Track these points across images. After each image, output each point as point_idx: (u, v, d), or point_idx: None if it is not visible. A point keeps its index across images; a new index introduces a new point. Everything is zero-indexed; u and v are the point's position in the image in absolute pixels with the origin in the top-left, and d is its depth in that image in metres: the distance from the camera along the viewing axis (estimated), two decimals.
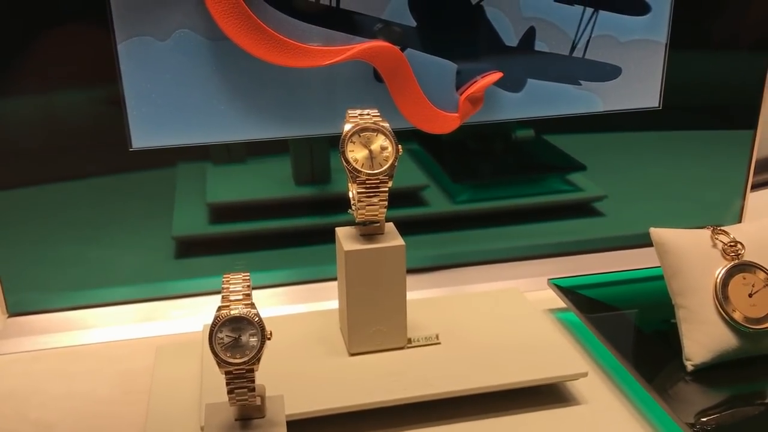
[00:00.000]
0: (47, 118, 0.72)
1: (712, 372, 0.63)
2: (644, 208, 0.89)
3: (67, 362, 0.72)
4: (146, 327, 0.77)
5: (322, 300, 0.79)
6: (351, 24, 0.73)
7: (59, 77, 0.71)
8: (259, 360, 0.46)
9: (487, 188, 0.86)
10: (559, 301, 0.76)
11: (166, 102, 0.73)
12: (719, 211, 0.91)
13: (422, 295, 0.79)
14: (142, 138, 0.74)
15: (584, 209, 0.89)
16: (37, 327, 0.76)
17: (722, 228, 0.66)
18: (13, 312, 0.77)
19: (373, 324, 0.64)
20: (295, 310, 0.78)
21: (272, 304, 0.80)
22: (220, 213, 0.80)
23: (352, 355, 0.65)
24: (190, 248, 0.80)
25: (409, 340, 0.66)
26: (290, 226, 0.82)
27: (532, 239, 0.87)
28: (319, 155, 0.80)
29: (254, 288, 0.80)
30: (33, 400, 0.67)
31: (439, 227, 0.85)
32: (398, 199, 0.82)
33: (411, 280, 0.83)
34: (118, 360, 0.72)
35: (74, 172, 0.74)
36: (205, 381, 0.60)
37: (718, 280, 0.63)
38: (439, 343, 0.66)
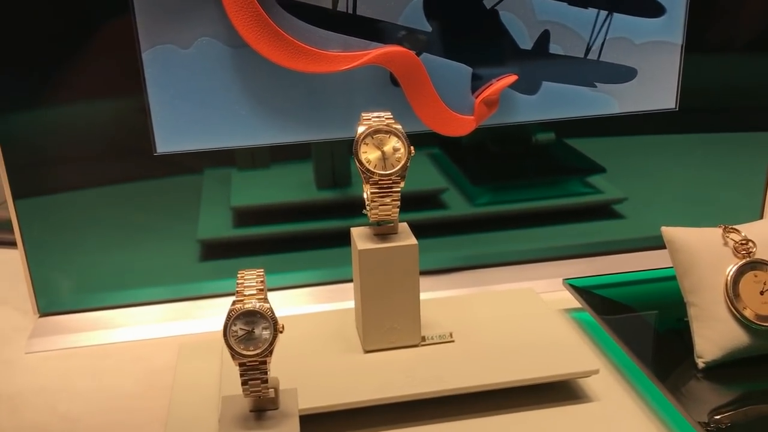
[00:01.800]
0: (77, 126, 0.75)
1: (724, 370, 0.63)
2: (664, 211, 0.89)
3: (95, 360, 0.74)
4: (171, 326, 0.79)
5: (342, 300, 0.81)
6: (367, 30, 0.75)
7: (87, 87, 0.73)
8: (271, 352, 0.48)
9: (507, 191, 0.86)
10: (574, 302, 0.76)
11: (188, 108, 0.75)
12: (738, 213, 0.89)
13: (439, 295, 0.80)
14: (166, 143, 0.76)
15: (604, 211, 0.89)
16: (66, 326, 0.79)
17: (733, 227, 0.66)
18: (44, 312, 0.80)
19: (387, 322, 0.66)
20: (316, 310, 0.80)
21: (293, 304, 0.82)
22: (244, 216, 0.82)
23: (367, 352, 0.66)
24: (214, 251, 0.82)
25: (423, 338, 0.67)
26: (311, 229, 0.83)
27: (551, 241, 0.88)
28: (339, 159, 0.82)
29: (276, 289, 0.85)
30: (62, 394, 0.69)
31: (458, 229, 0.86)
32: (418, 201, 0.84)
33: (429, 281, 0.85)
34: (143, 358, 0.74)
35: (103, 178, 0.77)
36: (225, 377, 0.62)
37: (729, 278, 0.63)
38: (452, 341, 0.67)
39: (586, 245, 0.89)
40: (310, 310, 0.80)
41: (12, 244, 0.81)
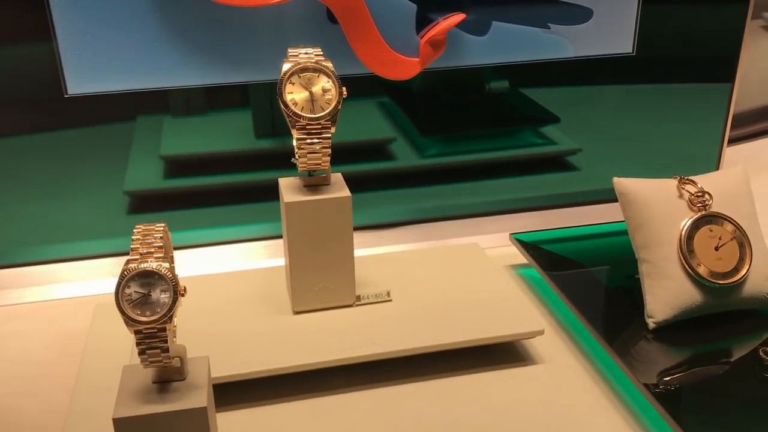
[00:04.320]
0: None
1: (674, 330, 0.60)
2: (618, 163, 0.86)
3: (1, 322, 0.68)
4: (91, 285, 0.74)
5: (279, 257, 0.76)
6: None
7: None
8: (171, 318, 0.43)
9: (457, 141, 0.82)
10: (521, 257, 0.72)
11: (102, 46, 0.68)
12: (695, 165, 0.87)
13: (383, 251, 0.76)
14: (77, 84, 0.69)
15: (557, 163, 0.86)
16: None
17: (689, 178, 0.62)
18: None
19: (319, 281, 0.61)
20: (252, 266, 0.75)
21: (226, 262, 0.77)
22: (176, 167, 0.77)
23: (297, 313, 0.61)
24: (143, 203, 0.77)
25: (358, 298, 0.63)
26: (248, 180, 0.78)
27: (502, 194, 0.84)
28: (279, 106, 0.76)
29: (208, 245, 0.80)
30: None
31: (406, 182, 0.82)
32: (364, 152, 0.80)
33: (372, 236, 0.80)
34: (56, 320, 0.69)
35: (17, 126, 0.71)
36: None
37: (683, 233, 0.59)
38: (390, 301, 0.63)
39: (538, 197, 0.86)
40: (246, 267, 0.75)
41: None
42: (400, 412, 0.56)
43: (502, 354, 0.61)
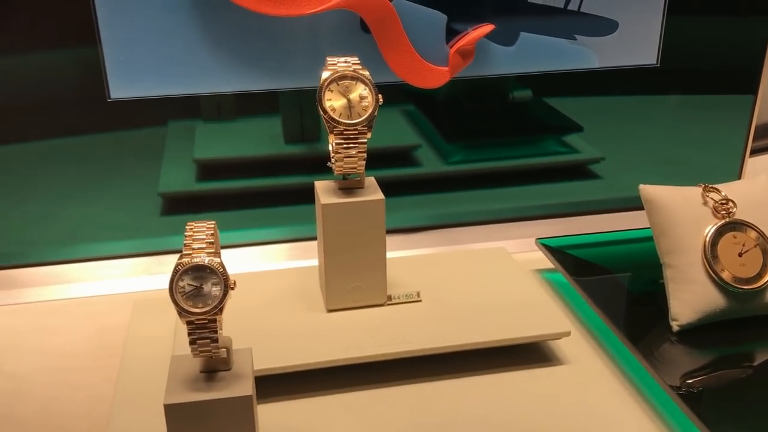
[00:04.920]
0: (28, 74, 0.70)
1: (698, 333, 0.61)
2: (641, 171, 0.87)
3: (45, 317, 0.71)
4: (127, 282, 0.76)
5: (308, 258, 0.78)
6: None
7: (35, 30, 0.69)
8: (221, 310, 0.45)
9: (481, 149, 0.84)
10: (547, 262, 0.74)
11: (145, 52, 0.71)
12: (717, 175, 0.87)
13: (411, 254, 0.78)
14: (120, 88, 0.72)
15: (581, 171, 0.87)
16: (17, 281, 0.75)
17: (714, 186, 0.63)
18: None
19: (352, 280, 0.63)
20: (282, 267, 0.77)
21: (258, 261, 0.79)
22: (208, 170, 0.79)
23: (330, 311, 0.63)
24: (177, 205, 0.79)
25: (389, 297, 0.64)
26: (278, 184, 0.80)
27: (525, 201, 0.86)
28: (308, 112, 0.78)
29: (239, 246, 0.82)
30: (9, 352, 0.66)
31: (431, 188, 0.84)
32: (390, 158, 0.81)
33: (399, 239, 0.82)
34: (96, 315, 0.71)
35: (58, 128, 0.73)
36: (178, 336, 0.59)
37: (708, 239, 0.61)
38: (420, 301, 0.65)
39: (561, 205, 0.87)
40: (274, 268, 0.77)
41: None
42: (430, 407, 0.57)
43: (529, 354, 0.62)
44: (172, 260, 0.77)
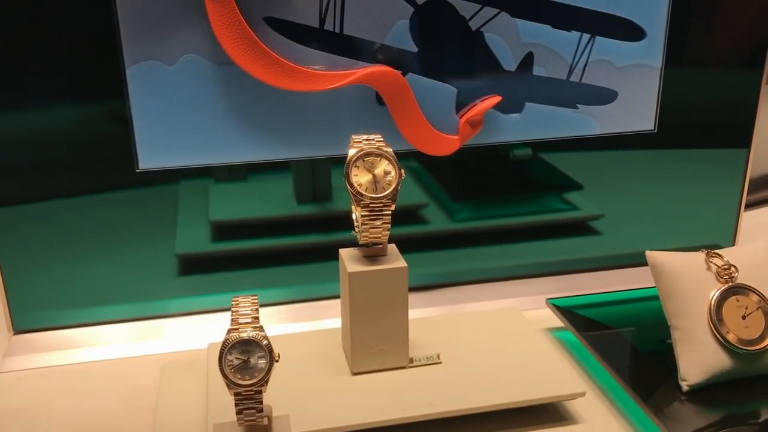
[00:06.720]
0: (56, 136, 0.73)
1: (707, 392, 0.64)
2: (640, 227, 0.90)
3: (73, 379, 0.73)
4: (149, 344, 0.78)
5: (324, 318, 0.80)
6: (354, 49, 0.75)
7: (70, 98, 0.72)
8: (267, 382, 0.47)
9: (486, 207, 0.87)
10: (557, 321, 0.77)
11: (172, 124, 0.74)
12: (714, 230, 0.92)
13: (422, 313, 0.81)
14: (148, 159, 0.75)
15: (581, 228, 0.90)
16: (43, 344, 0.77)
17: (716, 251, 0.67)
18: (20, 329, 0.78)
19: (376, 344, 0.66)
20: (297, 327, 0.79)
21: (274, 321, 0.81)
22: (223, 231, 0.82)
23: (355, 374, 0.66)
24: (193, 266, 0.81)
25: (411, 360, 0.67)
26: (292, 243, 0.83)
27: (530, 257, 0.89)
28: (321, 174, 0.82)
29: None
30: (40, 417, 0.67)
31: (438, 245, 0.86)
32: (398, 217, 0.84)
33: (410, 298, 0.84)
34: (122, 377, 0.73)
35: (81, 190, 0.76)
36: (211, 399, 0.61)
37: (713, 303, 0.64)
38: (440, 363, 0.67)
39: (563, 262, 0.90)
40: (291, 327, 0.80)
41: None
42: None
43: (546, 413, 0.65)
44: (191, 321, 0.81)
